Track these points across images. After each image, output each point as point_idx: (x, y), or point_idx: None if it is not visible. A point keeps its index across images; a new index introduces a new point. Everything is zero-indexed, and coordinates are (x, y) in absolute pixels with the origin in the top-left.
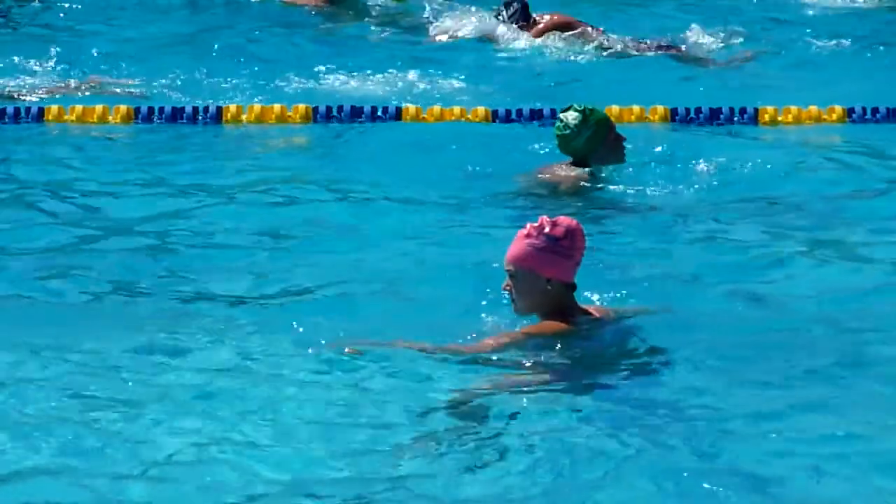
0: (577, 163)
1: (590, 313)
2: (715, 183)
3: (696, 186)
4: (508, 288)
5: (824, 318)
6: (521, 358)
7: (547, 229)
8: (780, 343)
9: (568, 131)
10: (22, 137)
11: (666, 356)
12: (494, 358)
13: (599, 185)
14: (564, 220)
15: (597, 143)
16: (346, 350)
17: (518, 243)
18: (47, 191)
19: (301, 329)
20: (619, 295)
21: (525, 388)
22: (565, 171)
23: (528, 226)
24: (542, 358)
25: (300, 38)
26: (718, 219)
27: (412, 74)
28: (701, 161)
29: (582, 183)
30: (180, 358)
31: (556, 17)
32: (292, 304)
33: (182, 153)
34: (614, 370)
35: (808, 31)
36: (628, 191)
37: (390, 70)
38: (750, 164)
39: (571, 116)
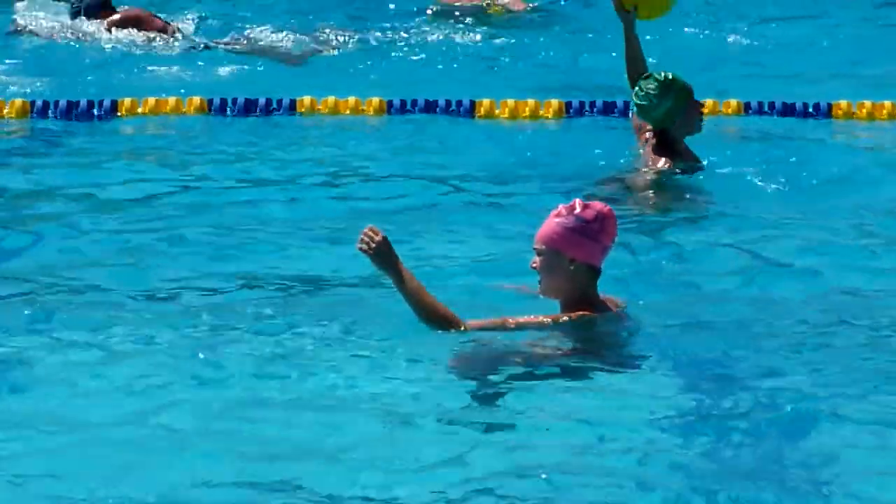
0: (659, 137)
1: (606, 305)
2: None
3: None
4: (535, 266)
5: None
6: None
7: (578, 210)
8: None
9: (647, 102)
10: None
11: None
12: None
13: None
14: (597, 205)
15: (676, 112)
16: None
17: (548, 222)
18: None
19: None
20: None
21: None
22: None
23: (560, 206)
24: (579, 345)
25: None
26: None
27: None
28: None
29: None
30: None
31: (131, 12)
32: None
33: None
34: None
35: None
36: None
37: None
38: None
39: (651, 86)
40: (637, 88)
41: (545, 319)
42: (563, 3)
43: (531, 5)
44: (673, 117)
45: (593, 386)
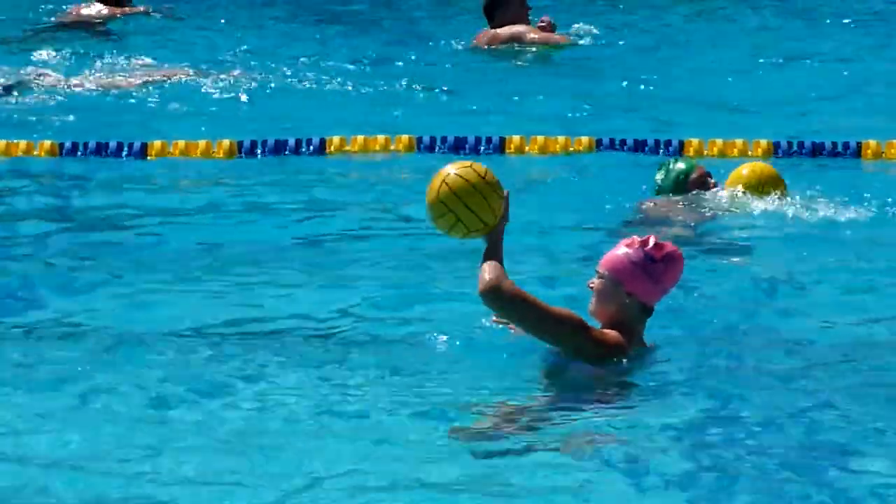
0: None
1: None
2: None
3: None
4: (592, 286)
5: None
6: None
7: (649, 247)
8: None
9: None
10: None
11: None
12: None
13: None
14: (669, 246)
15: (680, 191)
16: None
17: (617, 249)
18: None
19: None
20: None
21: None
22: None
23: (634, 237)
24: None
25: None
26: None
27: None
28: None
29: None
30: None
31: None
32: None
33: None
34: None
35: None
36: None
37: None
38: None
39: (659, 176)
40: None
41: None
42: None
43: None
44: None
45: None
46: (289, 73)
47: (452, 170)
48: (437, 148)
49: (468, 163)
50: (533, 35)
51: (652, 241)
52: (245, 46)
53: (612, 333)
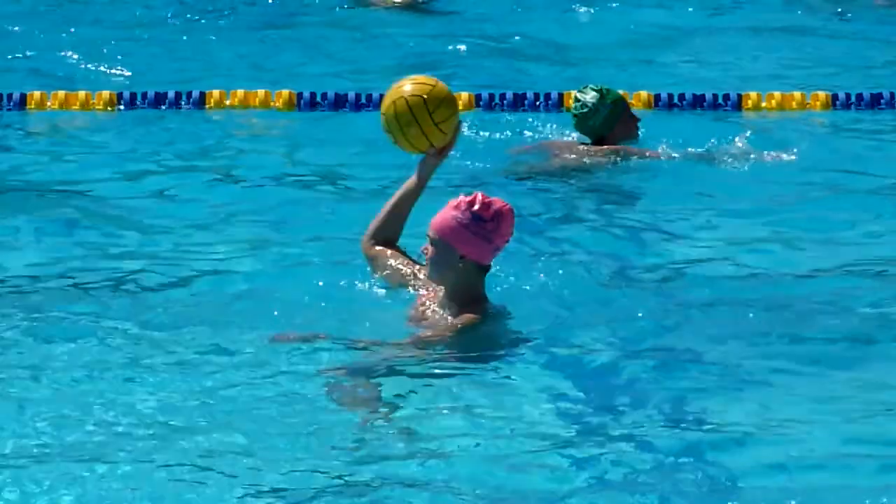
0: (594, 144)
1: (489, 305)
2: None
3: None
4: (426, 252)
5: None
6: (451, 351)
7: (476, 207)
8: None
9: (585, 110)
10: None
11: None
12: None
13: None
14: (497, 202)
15: (613, 121)
16: (275, 338)
17: (445, 212)
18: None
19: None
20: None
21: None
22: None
23: (461, 197)
24: (472, 353)
25: None
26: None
27: None
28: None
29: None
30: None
31: None
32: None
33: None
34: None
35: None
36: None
37: None
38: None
39: (589, 95)
40: (574, 100)
41: (440, 335)
42: None
43: None
44: (610, 125)
45: (483, 386)
46: None
47: (407, 90)
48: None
49: (424, 83)
50: None
51: (479, 200)
52: None
53: (468, 318)
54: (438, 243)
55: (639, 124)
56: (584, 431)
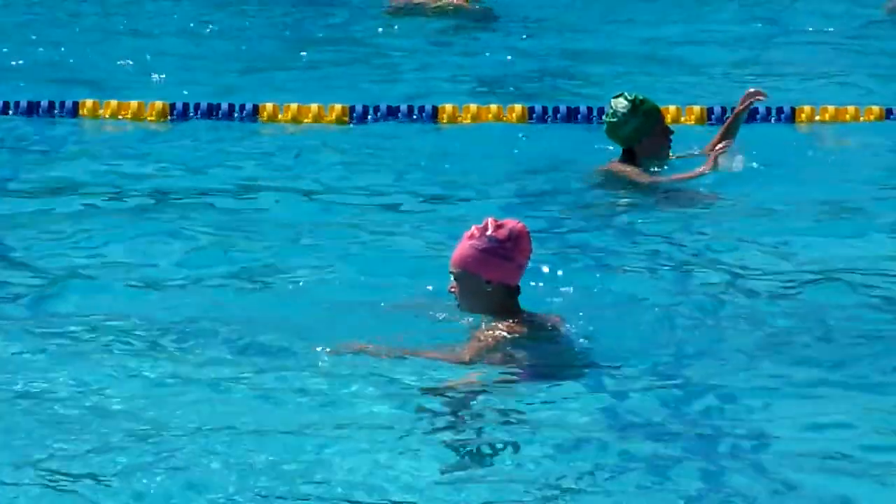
0: (624, 155)
1: (532, 317)
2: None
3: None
4: (454, 290)
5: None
6: (492, 363)
7: (490, 231)
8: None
9: (616, 119)
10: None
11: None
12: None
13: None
14: (510, 223)
15: (643, 133)
16: (328, 351)
17: (461, 245)
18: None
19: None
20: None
21: (498, 390)
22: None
23: (473, 227)
24: (512, 361)
25: None
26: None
27: None
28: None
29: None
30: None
31: None
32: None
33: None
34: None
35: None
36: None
37: None
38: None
39: (621, 104)
40: (607, 107)
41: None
42: None
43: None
44: (640, 136)
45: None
46: None
47: None
48: None
49: None
50: None
51: (491, 225)
52: None
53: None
54: (462, 276)
55: (671, 141)
56: (626, 438)
